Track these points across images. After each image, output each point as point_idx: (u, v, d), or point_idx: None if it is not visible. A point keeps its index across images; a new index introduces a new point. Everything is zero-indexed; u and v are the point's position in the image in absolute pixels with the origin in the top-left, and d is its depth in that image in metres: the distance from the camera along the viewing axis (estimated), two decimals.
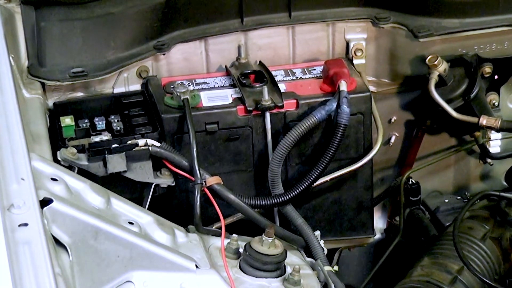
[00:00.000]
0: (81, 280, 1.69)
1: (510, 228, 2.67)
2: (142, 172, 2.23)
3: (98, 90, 2.47)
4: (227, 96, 2.43)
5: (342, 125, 2.35)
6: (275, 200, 2.35)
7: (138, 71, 2.51)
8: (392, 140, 2.81)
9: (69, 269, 1.69)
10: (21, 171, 1.73)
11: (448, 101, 2.60)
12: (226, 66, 2.56)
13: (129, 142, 2.24)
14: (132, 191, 2.27)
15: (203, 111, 2.37)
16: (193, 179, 2.20)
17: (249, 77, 2.49)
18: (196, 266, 1.84)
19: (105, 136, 2.29)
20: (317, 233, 2.33)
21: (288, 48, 2.62)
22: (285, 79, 2.52)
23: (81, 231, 1.75)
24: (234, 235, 2.03)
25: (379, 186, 2.85)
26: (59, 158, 2.16)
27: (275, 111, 2.39)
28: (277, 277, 1.96)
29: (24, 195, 1.65)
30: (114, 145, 2.21)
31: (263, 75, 2.48)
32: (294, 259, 2.12)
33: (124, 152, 2.20)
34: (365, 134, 2.46)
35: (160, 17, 2.49)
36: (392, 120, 2.78)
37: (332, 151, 2.35)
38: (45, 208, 1.71)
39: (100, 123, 2.35)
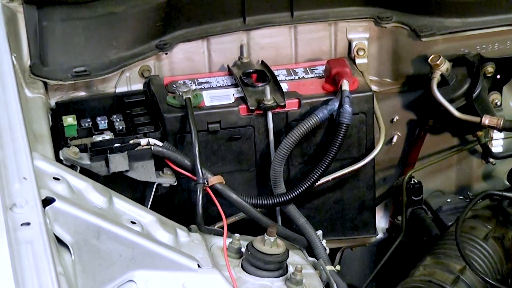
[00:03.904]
0: (83, 279, 1.69)
1: None
2: (144, 172, 2.23)
3: (100, 89, 2.47)
4: (229, 95, 2.43)
5: (344, 125, 2.35)
6: (277, 200, 2.35)
7: (140, 70, 2.51)
8: (394, 139, 2.81)
9: (71, 269, 1.69)
10: (23, 170, 1.73)
11: (451, 101, 2.60)
12: (228, 66, 2.56)
13: (131, 141, 2.24)
14: (134, 190, 2.27)
15: (205, 110, 2.37)
16: (195, 178, 2.20)
17: (251, 76, 2.49)
18: (198, 266, 1.84)
19: (107, 136, 2.29)
20: (319, 232, 2.33)
21: (290, 48, 2.62)
22: (287, 78, 2.52)
23: (83, 230, 1.74)
24: (236, 234, 2.03)
25: (381, 185, 2.85)
26: (61, 158, 2.16)
27: (277, 110, 2.39)
28: (279, 277, 1.96)
29: (26, 195, 1.65)
30: (116, 145, 2.21)
31: (265, 74, 2.48)
32: (296, 258, 2.12)
33: (126, 152, 2.20)
34: (367, 133, 2.46)
35: (163, 17, 2.49)
36: (394, 120, 2.78)
37: (334, 150, 2.35)
38: (47, 208, 1.71)
39: (102, 123, 2.35)
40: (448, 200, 2.85)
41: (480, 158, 2.91)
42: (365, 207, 2.55)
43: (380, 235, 2.85)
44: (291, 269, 1.99)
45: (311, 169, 2.38)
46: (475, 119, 2.57)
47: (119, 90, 2.49)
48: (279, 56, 2.61)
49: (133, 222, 1.92)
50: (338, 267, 2.31)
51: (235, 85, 2.47)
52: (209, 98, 2.41)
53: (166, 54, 2.51)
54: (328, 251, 2.31)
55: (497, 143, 2.82)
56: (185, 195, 2.37)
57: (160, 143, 2.25)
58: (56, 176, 1.87)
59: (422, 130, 2.79)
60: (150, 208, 2.12)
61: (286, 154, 2.34)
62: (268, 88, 2.38)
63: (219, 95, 2.42)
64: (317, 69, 2.56)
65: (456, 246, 2.47)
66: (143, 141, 2.24)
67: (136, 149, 2.22)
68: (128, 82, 2.50)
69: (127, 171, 2.21)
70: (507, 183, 2.83)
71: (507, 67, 2.71)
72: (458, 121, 2.59)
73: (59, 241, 1.72)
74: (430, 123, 2.76)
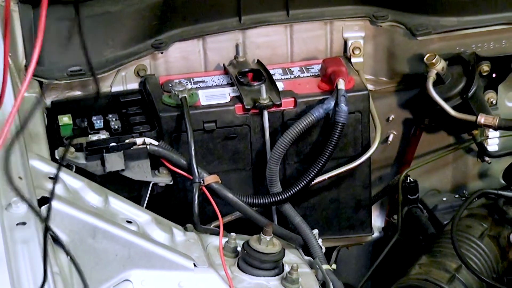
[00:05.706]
0: (79, 279, 1.69)
1: (508, 226, 2.67)
2: (140, 171, 2.23)
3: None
4: (225, 94, 2.43)
5: (340, 124, 2.35)
6: (273, 199, 2.35)
7: (136, 69, 2.50)
8: (390, 138, 2.81)
9: (67, 268, 1.69)
10: (19, 170, 1.73)
11: (446, 100, 2.60)
12: (224, 65, 2.56)
13: (127, 140, 2.24)
14: (130, 189, 2.27)
15: (201, 109, 2.37)
16: (191, 177, 2.20)
17: (247, 75, 2.49)
18: (194, 265, 1.85)
19: (103, 135, 2.29)
20: (315, 231, 2.33)
21: (286, 47, 2.62)
22: (283, 77, 2.52)
23: (79, 230, 1.75)
24: (232, 233, 2.04)
25: (377, 184, 2.85)
26: (57, 157, 2.16)
27: (273, 109, 2.39)
28: (275, 276, 1.96)
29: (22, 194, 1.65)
30: (112, 144, 2.21)
31: (261, 73, 2.48)
32: (292, 257, 2.12)
33: (122, 151, 2.20)
34: (363, 132, 2.47)
35: (158, 16, 2.49)
36: (390, 119, 2.77)
37: (330, 149, 2.35)
38: (43, 207, 1.71)
39: (98, 122, 2.35)
40: (444, 199, 2.85)
41: (475, 156, 2.91)
42: (361, 206, 2.55)
43: (376, 234, 2.84)
44: (287, 268, 1.99)
45: (307, 168, 2.38)
46: (471, 117, 2.57)
47: (115, 89, 2.49)
48: (275, 55, 2.61)
49: (129, 222, 1.92)
50: (334, 266, 2.31)
51: (231, 84, 2.47)
52: (205, 97, 2.41)
53: (161, 53, 2.51)
54: (324, 250, 2.31)
55: (493, 141, 2.81)
56: (181, 195, 2.37)
57: (156, 142, 2.25)
58: (52, 176, 1.87)
59: (418, 129, 2.79)
60: (146, 208, 2.13)
61: (282, 153, 2.34)
62: (264, 87, 2.38)
63: (215, 94, 2.42)
64: (313, 68, 2.55)
65: (452, 245, 2.47)
66: (139, 141, 2.24)
67: (132, 148, 2.22)
68: (123, 81, 2.50)
69: (122, 170, 2.21)
70: (503, 181, 2.83)
71: (503, 65, 2.71)
72: (454, 120, 2.59)
73: (55, 240, 1.72)
74: (426, 122, 2.76)
